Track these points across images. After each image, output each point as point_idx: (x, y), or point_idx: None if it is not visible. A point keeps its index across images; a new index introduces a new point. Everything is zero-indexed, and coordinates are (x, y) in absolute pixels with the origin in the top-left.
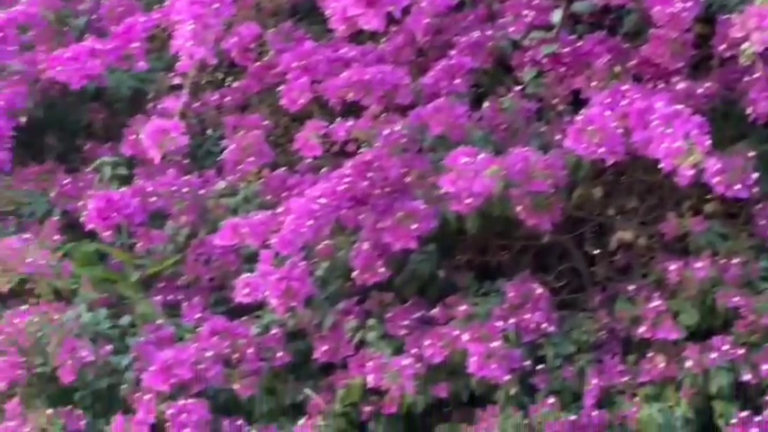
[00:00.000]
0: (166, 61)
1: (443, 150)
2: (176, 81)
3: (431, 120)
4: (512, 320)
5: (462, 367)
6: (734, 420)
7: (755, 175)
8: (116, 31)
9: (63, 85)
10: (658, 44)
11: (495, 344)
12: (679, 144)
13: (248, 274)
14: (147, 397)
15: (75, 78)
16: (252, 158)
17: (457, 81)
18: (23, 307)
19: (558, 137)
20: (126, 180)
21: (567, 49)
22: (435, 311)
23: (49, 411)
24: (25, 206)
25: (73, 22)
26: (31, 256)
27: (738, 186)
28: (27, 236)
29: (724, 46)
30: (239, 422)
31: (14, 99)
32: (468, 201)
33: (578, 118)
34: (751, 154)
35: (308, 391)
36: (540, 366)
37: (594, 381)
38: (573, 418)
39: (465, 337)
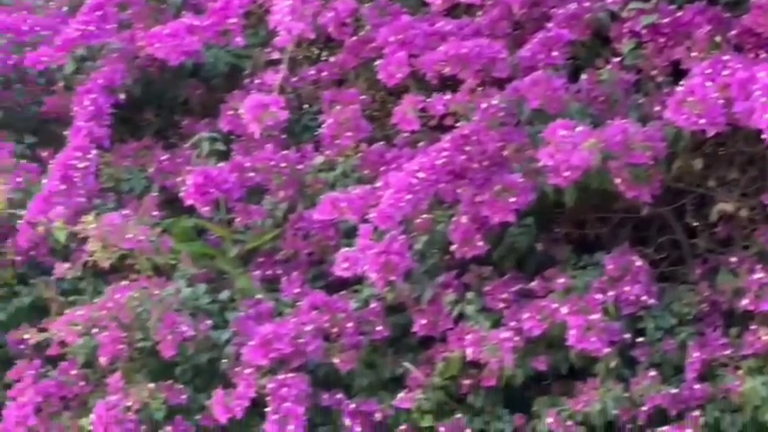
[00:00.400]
0: (262, 37)
1: (541, 123)
2: (274, 56)
3: (528, 93)
4: (611, 293)
5: (561, 340)
6: None
7: None
8: (213, 8)
9: (161, 62)
10: (760, 14)
11: (595, 316)
12: None
13: (347, 249)
14: (247, 371)
15: (173, 55)
16: (349, 133)
17: (554, 53)
18: (124, 282)
19: (657, 108)
20: (224, 155)
21: (666, 20)
22: (534, 284)
23: (151, 386)
24: (124, 182)
25: (170, 0)
26: (131, 231)
27: None
28: (126, 212)
29: None
30: (339, 396)
31: (113, 76)
32: (566, 174)
33: (678, 89)
34: None
35: (407, 364)
36: (640, 339)
37: (696, 354)
38: (674, 391)
39: (564, 309)
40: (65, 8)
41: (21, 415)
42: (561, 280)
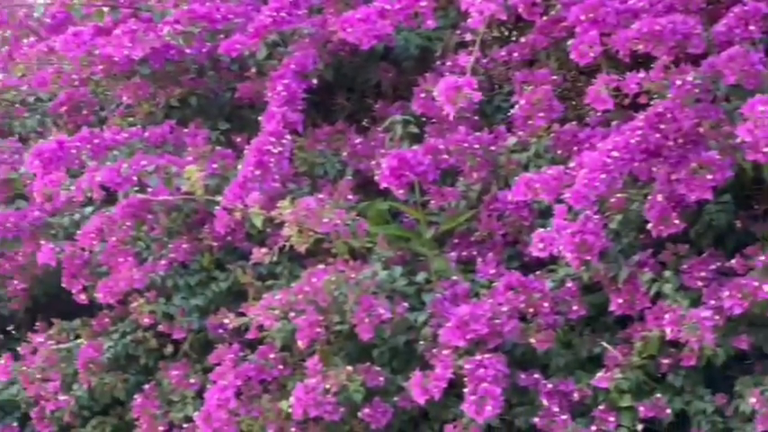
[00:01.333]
0: (452, 19)
1: (738, 99)
2: (466, 38)
3: (725, 68)
4: None
5: (763, 319)
6: None
7: None
8: None
9: (352, 46)
10: None
11: None
12: None
13: (542, 229)
14: (444, 352)
15: (365, 39)
16: (542, 113)
17: (751, 27)
18: (320, 266)
19: None
20: (417, 138)
21: None
22: (733, 262)
23: (349, 368)
24: (318, 166)
25: None
26: (328, 215)
27: None
28: (321, 196)
29: None
30: (536, 376)
31: (305, 61)
32: (765, 150)
33: None
34: None
35: (604, 344)
36: None
37: None
38: None
39: (766, 287)
40: None
41: (222, 398)
42: (762, 257)
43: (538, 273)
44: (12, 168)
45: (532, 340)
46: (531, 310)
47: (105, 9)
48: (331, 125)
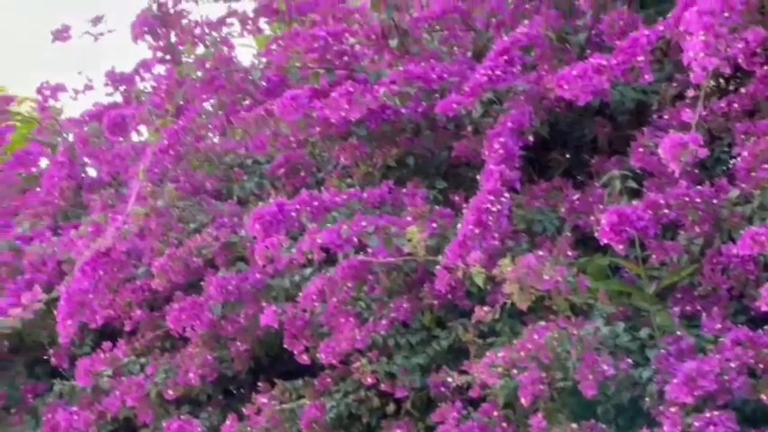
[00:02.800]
0: (667, 72)
1: None
2: (687, 93)
3: None
4: None
5: None
6: None
7: None
8: (621, 47)
9: (567, 102)
10: None
11: None
12: None
13: None
14: (672, 409)
15: (581, 95)
16: (766, 165)
17: None
18: (542, 323)
19: None
20: (635, 193)
21: None
22: None
23: (573, 425)
24: (537, 223)
25: (572, 39)
26: (548, 273)
27: None
28: (541, 253)
29: None
30: None
31: (521, 119)
32: None
33: None
34: None
35: None
36: None
37: None
38: None
39: None
40: (468, 53)
41: None
42: None
43: (766, 327)
44: (232, 231)
45: (763, 396)
46: (760, 365)
47: (321, 71)
48: (547, 181)
